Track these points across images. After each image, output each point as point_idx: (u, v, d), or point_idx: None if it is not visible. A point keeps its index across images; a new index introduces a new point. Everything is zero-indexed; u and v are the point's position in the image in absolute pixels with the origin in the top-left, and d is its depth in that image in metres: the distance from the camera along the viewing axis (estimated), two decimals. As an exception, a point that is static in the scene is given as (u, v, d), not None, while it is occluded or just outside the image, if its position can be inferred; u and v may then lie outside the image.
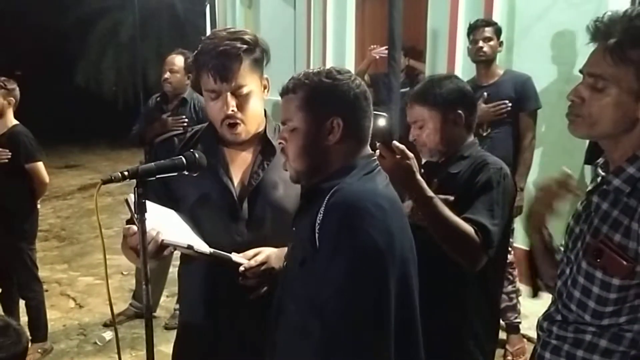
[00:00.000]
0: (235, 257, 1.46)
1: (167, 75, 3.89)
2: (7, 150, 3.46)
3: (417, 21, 4.92)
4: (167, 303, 4.14)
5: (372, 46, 4.97)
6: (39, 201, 3.78)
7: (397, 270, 1.25)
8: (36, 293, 3.67)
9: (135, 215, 1.28)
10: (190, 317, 1.67)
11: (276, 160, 1.60)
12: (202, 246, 1.43)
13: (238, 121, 1.56)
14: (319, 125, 1.34)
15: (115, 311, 4.18)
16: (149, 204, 1.33)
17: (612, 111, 1.21)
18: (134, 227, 1.39)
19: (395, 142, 1.70)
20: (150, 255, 1.36)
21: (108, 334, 3.86)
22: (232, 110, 1.54)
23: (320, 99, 1.34)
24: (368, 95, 1.39)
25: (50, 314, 3.92)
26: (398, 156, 1.70)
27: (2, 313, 3.76)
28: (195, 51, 1.59)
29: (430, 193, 1.72)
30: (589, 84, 1.23)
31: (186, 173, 1.38)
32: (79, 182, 8.94)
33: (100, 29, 13.44)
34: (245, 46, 1.54)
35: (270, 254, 1.47)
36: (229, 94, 1.53)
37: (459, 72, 4.29)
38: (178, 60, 3.88)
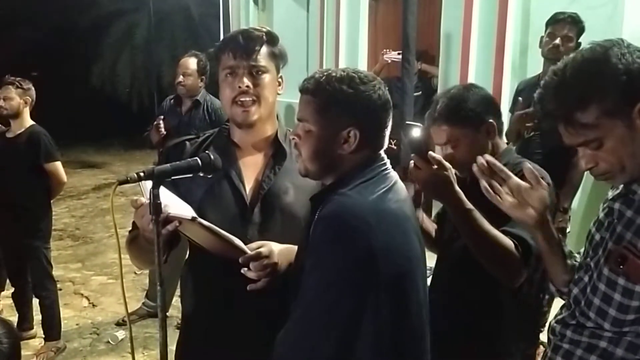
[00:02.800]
0: (239, 244, 1.44)
1: (180, 78, 3.94)
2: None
3: (430, 25, 4.92)
4: (180, 303, 4.15)
5: (384, 50, 4.98)
6: (52, 200, 3.83)
7: (382, 286, 1.23)
8: (50, 292, 3.71)
9: (151, 217, 1.29)
10: (193, 318, 1.67)
11: (287, 165, 1.60)
12: (204, 221, 1.41)
13: (252, 98, 1.56)
14: (334, 133, 1.32)
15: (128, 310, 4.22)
16: (150, 184, 1.35)
17: (623, 151, 1.20)
18: (142, 199, 1.40)
19: (432, 153, 1.63)
20: (152, 229, 1.35)
21: (121, 333, 3.90)
22: (247, 86, 1.54)
23: (339, 108, 1.31)
24: (389, 105, 1.36)
25: (64, 313, 3.96)
26: (434, 167, 1.62)
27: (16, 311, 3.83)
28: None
29: (469, 205, 1.63)
30: (588, 148, 1.23)
31: (201, 174, 1.39)
32: (94, 182, 9.03)
33: (116, 31, 13.55)
34: (266, 35, 1.59)
35: (274, 249, 1.46)
36: (246, 70, 1.55)
37: (472, 76, 4.28)
38: (191, 63, 3.93)
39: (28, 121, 3.61)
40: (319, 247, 1.25)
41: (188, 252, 1.69)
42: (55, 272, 3.89)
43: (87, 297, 4.64)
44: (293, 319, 1.29)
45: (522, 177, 1.64)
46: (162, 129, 3.86)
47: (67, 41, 14.75)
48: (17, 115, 3.55)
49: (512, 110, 3.49)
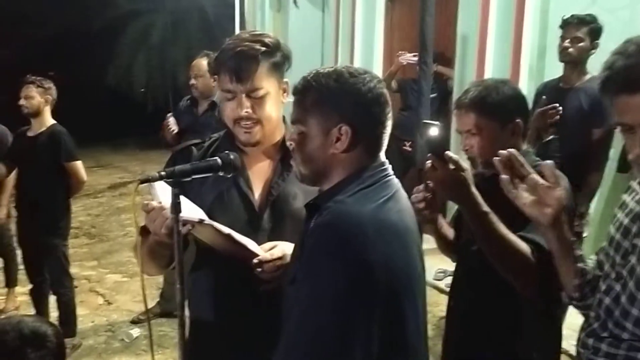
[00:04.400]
0: (252, 246, 1.43)
1: (192, 81, 3.95)
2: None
3: (446, 26, 4.90)
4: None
5: (400, 52, 4.97)
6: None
7: (378, 299, 1.15)
8: (67, 289, 3.75)
9: (171, 215, 1.30)
10: (201, 320, 1.65)
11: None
12: (215, 223, 1.40)
13: (252, 122, 1.53)
14: (325, 132, 1.24)
15: (142, 309, 4.25)
16: (161, 183, 1.34)
17: None
18: (153, 203, 1.39)
19: (449, 153, 1.57)
20: (166, 232, 1.36)
21: (135, 331, 3.93)
22: (246, 112, 1.52)
23: (327, 104, 1.24)
24: (384, 100, 1.27)
25: (79, 310, 3.99)
26: (451, 167, 1.57)
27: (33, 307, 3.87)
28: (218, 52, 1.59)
29: (485, 208, 1.58)
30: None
31: (221, 174, 1.39)
32: (109, 181, 9.11)
33: (132, 31, 13.68)
34: (264, 49, 1.52)
35: (286, 249, 1.44)
36: (244, 95, 1.52)
37: (488, 77, 4.26)
38: (202, 64, 3.93)
39: (49, 120, 3.65)
40: (312, 257, 1.17)
41: (195, 256, 1.66)
42: (71, 270, 3.92)
43: (102, 295, 4.68)
44: (283, 335, 1.22)
45: (541, 177, 1.64)
46: (173, 127, 3.87)
47: (84, 41, 14.89)
48: (37, 114, 3.60)
49: (531, 112, 3.47)
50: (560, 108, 2.95)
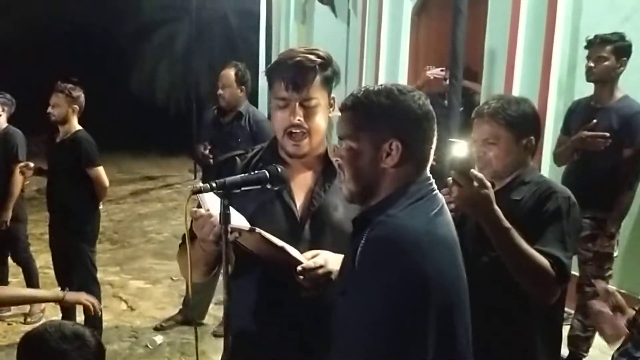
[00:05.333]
0: (295, 253, 1.46)
1: (220, 91, 4.00)
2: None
3: (474, 41, 4.88)
4: (216, 311, 4.20)
5: (427, 66, 4.97)
6: (101, 204, 3.92)
7: (433, 313, 1.18)
8: (94, 294, 3.75)
9: (221, 226, 1.32)
10: (241, 329, 1.62)
11: (337, 182, 1.61)
12: (264, 232, 1.42)
13: (303, 131, 1.57)
14: (376, 147, 1.27)
15: (165, 316, 4.28)
16: (210, 194, 1.37)
17: None
18: (201, 210, 1.42)
19: (474, 171, 1.63)
20: (213, 239, 1.39)
21: (159, 338, 3.96)
22: (299, 120, 1.55)
23: (378, 121, 1.28)
24: (432, 116, 1.31)
25: (103, 316, 4.01)
26: (476, 185, 1.63)
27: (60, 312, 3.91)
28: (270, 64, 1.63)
29: (507, 224, 1.66)
30: None
31: (269, 186, 1.41)
32: (131, 187, 9.21)
33: (156, 39, 13.87)
34: (320, 60, 1.57)
35: (327, 257, 1.47)
36: (297, 103, 1.55)
37: (516, 93, 4.22)
38: (230, 74, 3.97)
39: (75, 127, 3.70)
40: (367, 271, 1.20)
41: (234, 264, 1.69)
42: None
43: (125, 301, 4.72)
44: (335, 348, 1.24)
45: (547, 200, 1.78)
46: (208, 155, 3.91)
47: (108, 48, 15.13)
48: (64, 122, 3.66)
49: (563, 130, 3.47)
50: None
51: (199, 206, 1.46)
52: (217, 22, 13.04)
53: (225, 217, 1.31)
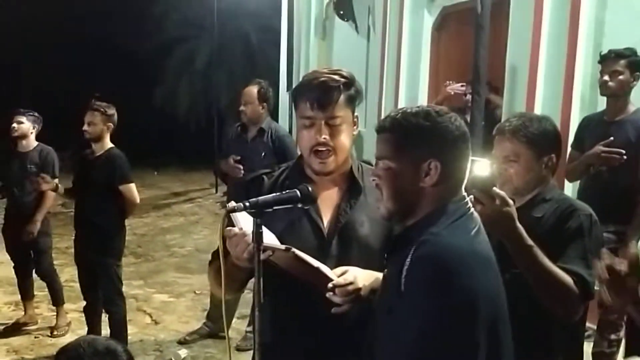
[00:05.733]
0: (325, 270, 1.49)
1: (242, 107, 4.07)
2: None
3: (495, 56, 4.90)
4: (239, 325, 4.24)
5: (447, 82, 4.99)
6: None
7: (482, 328, 1.22)
8: (119, 307, 3.84)
9: (254, 245, 1.35)
10: (273, 344, 1.66)
11: (362, 199, 1.66)
12: (298, 251, 1.46)
13: (329, 149, 1.61)
14: (414, 167, 1.32)
15: (188, 329, 4.33)
16: (242, 213, 1.41)
17: None
18: (234, 229, 1.46)
19: (495, 189, 1.65)
20: (247, 257, 1.43)
21: (183, 352, 3.99)
22: (325, 138, 1.60)
23: (417, 141, 1.32)
24: (468, 137, 1.37)
25: (128, 329, 4.07)
26: (498, 203, 1.65)
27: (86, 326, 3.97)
28: (296, 85, 1.70)
29: (530, 242, 1.67)
30: None
31: (300, 205, 1.45)
32: (154, 201, 9.33)
33: (177, 56, 14.10)
34: (343, 80, 1.62)
35: (356, 274, 1.50)
36: (323, 122, 1.60)
37: (538, 109, 4.23)
38: (252, 91, 4.04)
39: (108, 144, 3.80)
40: (417, 291, 1.23)
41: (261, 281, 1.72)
42: (121, 288, 4.03)
43: (149, 314, 4.77)
44: None
45: (569, 217, 1.80)
46: (238, 167, 3.96)
47: (131, 65, 15.41)
48: (99, 139, 3.75)
49: (574, 146, 3.48)
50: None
51: (231, 224, 1.50)
52: (238, 38, 13.21)
53: (258, 236, 1.34)
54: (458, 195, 1.35)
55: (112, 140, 3.85)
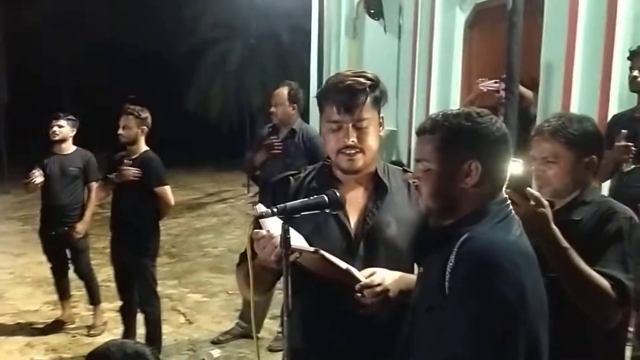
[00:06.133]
0: (354, 272, 1.49)
1: (273, 108, 4.10)
2: (139, 170, 3.77)
3: (529, 54, 4.80)
4: (271, 325, 4.27)
5: (479, 79, 4.91)
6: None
7: (527, 329, 1.22)
8: (154, 308, 3.91)
9: (282, 250, 1.36)
10: (301, 347, 1.66)
11: (389, 199, 1.66)
12: (326, 253, 1.46)
13: (356, 150, 1.62)
14: (455, 167, 1.33)
15: (222, 329, 4.37)
16: (270, 218, 1.42)
17: None
18: (262, 232, 1.47)
19: (530, 189, 1.64)
20: (275, 259, 1.43)
21: (216, 352, 4.04)
22: (353, 141, 1.61)
23: (459, 142, 1.33)
24: (508, 138, 1.37)
25: (162, 328, 4.13)
26: (532, 204, 1.63)
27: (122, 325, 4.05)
28: (321, 87, 1.70)
29: (565, 243, 1.64)
30: None
31: (327, 211, 1.45)
32: (187, 202, 9.46)
33: (209, 58, 14.27)
34: (369, 82, 1.62)
35: (384, 275, 1.51)
36: (350, 125, 1.60)
37: (574, 107, 4.13)
38: (282, 92, 4.07)
39: (143, 147, 3.87)
40: (465, 287, 1.23)
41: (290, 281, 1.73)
42: (156, 288, 4.10)
43: (183, 314, 4.84)
44: None
45: (608, 220, 1.74)
46: (276, 149, 3.99)
47: (165, 68, 15.67)
48: (134, 142, 3.82)
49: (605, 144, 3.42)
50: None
51: (258, 226, 1.50)
52: (269, 39, 13.29)
53: (286, 241, 1.34)
54: (499, 197, 1.36)
55: (147, 142, 3.91)
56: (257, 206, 1.48)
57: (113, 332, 4.31)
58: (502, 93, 4.06)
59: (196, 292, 5.34)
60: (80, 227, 4.34)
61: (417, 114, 6.25)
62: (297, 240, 1.49)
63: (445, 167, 1.34)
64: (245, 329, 4.21)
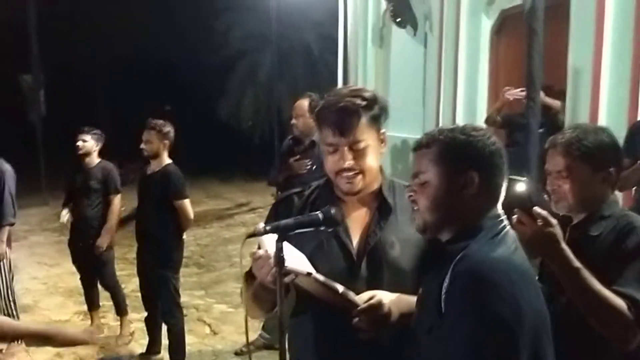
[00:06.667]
0: (351, 296, 1.46)
1: (293, 120, 4.11)
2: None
3: (557, 58, 4.70)
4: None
5: (506, 88, 4.83)
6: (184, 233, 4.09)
7: (527, 346, 1.19)
8: (177, 319, 3.95)
9: (275, 269, 1.35)
10: None
11: (392, 219, 1.62)
12: (320, 276, 1.45)
13: (354, 172, 1.59)
14: (452, 179, 1.32)
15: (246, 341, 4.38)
16: (269, 236, 1.41)
17: None
18: (260, 251, 1.46)
19: (537, 208, 1.59)
20: (272, 279, 1.42)
21: (238, 364, 4.04)
22: (349, 164, 1.57)
23: (455, 154, 1.33)
24: (503, 153, 1.35)
25: (187, 339, 4.17)
26: (540, 223, 1.58)
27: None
28: (318, 107, 1.66)
29: (577, 263, 1.57)
30: None
31: (322, 228, 1.43)
32: (217, 212, 9.57)
33: (240, 69, 14.45)
34: (364, 103, 1.58)
35: (384, 299, 1.47)
36: (346, 147, 1.57)
37: (603, 115, 4.02)
38: (303, 104, 4.07)
39: (165, 160, 3.92)
40: (460, 305, 1.21)
41: (296, 301, 1.70)
42: (181, 299, 4.12)
43: (209, 325, 4.87)
44: None
45: (627, 235, 1.66)
46: (305, 164, 4.00)
47: (197, 80, 15.96)
48: (156, 156, 3.89)
49: (625, 153, 3.28)
50: None
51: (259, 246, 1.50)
52: (299, 49, 13.38)
53: (279, 260, 1.33)
54: (494, 212, 1.34)
55: (176, 153, 3.96)
56: (257, 225, 1.47)
57: (140, 342, 4.37)
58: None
59: (222, 303, 5.37)
60: (100, 241, 4.40)
61: (444, 122, 6.18)
62: (298, 260, 1.47)
63: (443, 179, 1.33)
64: (269, 340, 4.21)
